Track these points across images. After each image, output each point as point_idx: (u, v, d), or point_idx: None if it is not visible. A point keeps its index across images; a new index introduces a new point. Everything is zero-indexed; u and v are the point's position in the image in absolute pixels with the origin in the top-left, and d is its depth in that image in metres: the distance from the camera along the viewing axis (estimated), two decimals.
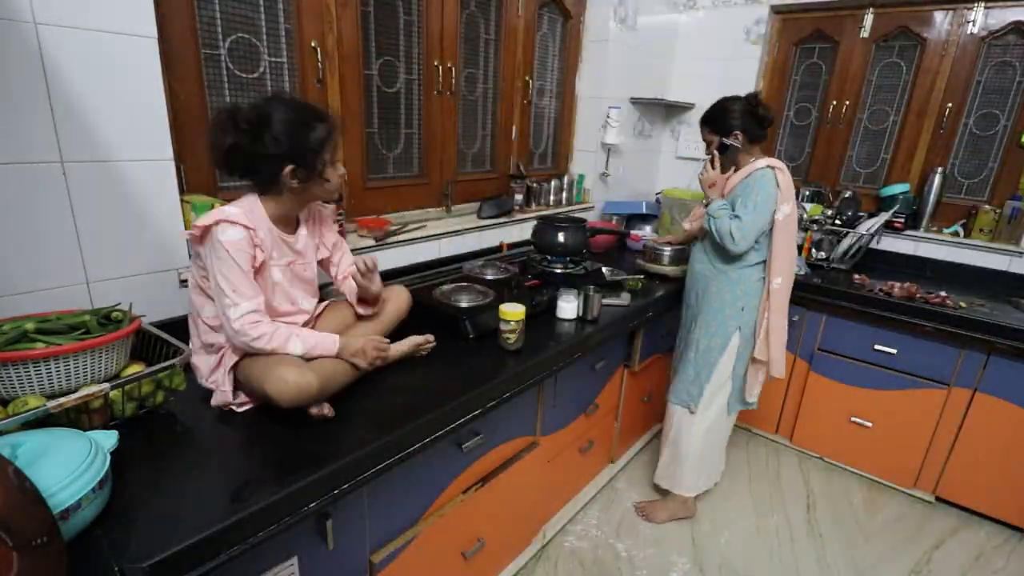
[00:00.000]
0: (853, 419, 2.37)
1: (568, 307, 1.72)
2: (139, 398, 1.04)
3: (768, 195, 1.71)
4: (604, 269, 2.01)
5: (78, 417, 0.95)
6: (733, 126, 1.77)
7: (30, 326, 0.95)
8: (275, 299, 1.19)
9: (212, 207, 1.31)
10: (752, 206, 1.72)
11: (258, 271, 1.12)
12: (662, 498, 2.17)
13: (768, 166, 1.74)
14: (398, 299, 1.45)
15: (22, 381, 0.91)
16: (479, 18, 2.15)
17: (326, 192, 1.18)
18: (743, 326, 1.88)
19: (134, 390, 1.02)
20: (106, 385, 0.96)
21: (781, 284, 1.81)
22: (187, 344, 1.13)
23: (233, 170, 1.11)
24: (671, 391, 2.05)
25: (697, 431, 1.99)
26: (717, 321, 1.89)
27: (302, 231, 1.24)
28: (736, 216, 1.75)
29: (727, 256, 1.83)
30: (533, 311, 1.66)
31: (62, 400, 0.90)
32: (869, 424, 2.34)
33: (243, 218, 1.06)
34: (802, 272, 2.44)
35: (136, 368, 1.06)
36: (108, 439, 0.86)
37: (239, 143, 1.04)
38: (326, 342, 1.15)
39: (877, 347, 2.25)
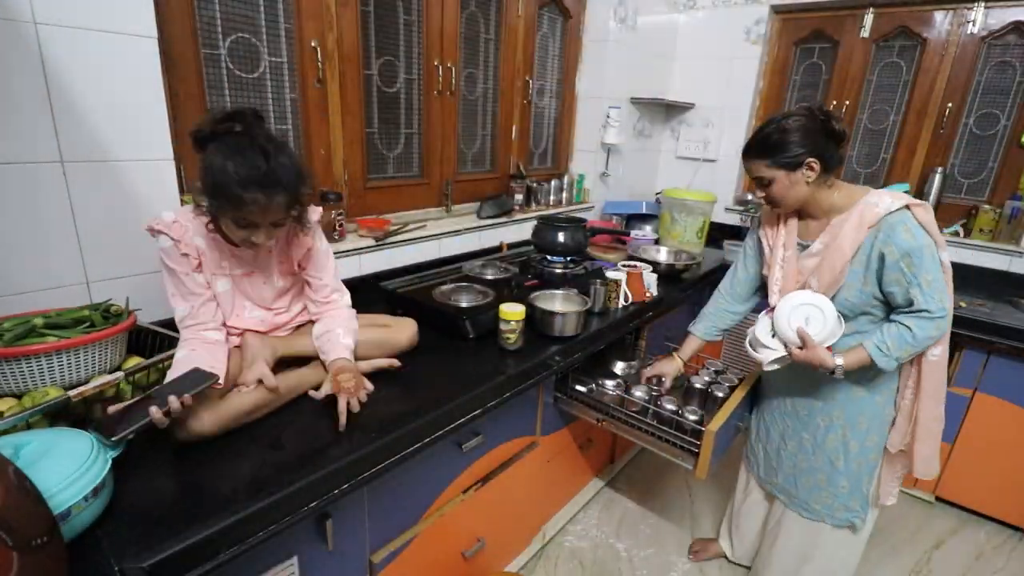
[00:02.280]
0: None
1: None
2: (146, 387, 1.06)
3: (929, 252, 1.20)
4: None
5: (91, 407, 0.97)
6: (807, 152, 1.24)
7: (39, 321, 0.96)
8: (225, 309, 1.16)
9: None
10: (920, 262, 1.20)
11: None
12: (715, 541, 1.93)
13: (904, 206, 1.21)
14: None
15: (34, 374, 0.93)
16: (479, 18, 2.15)
17: (235, 240, 1.07)
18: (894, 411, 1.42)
19: (141, 379, 1.05)
20: (120, 374, 0.99)
21: (940, 356, 1.31)
22: None
23: None
24: (806, 510, 1.54)
25: (857, 550, 1.57)
26: (865, 415, 1.40)
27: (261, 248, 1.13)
28: (912, 311, 1.23)
29: (867, 325, 1.34)
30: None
31: (81, 389, 0.92)
32: None
33: (171, 228, 1.04)
34: None
35: (135, 360, 1.07)
36: None
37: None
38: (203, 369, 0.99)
39: None
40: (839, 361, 1.28)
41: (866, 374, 1.36)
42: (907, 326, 1.23)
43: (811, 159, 1.24)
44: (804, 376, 1.45)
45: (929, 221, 1.22)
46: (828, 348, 1.29)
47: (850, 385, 1.39)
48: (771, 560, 1.67)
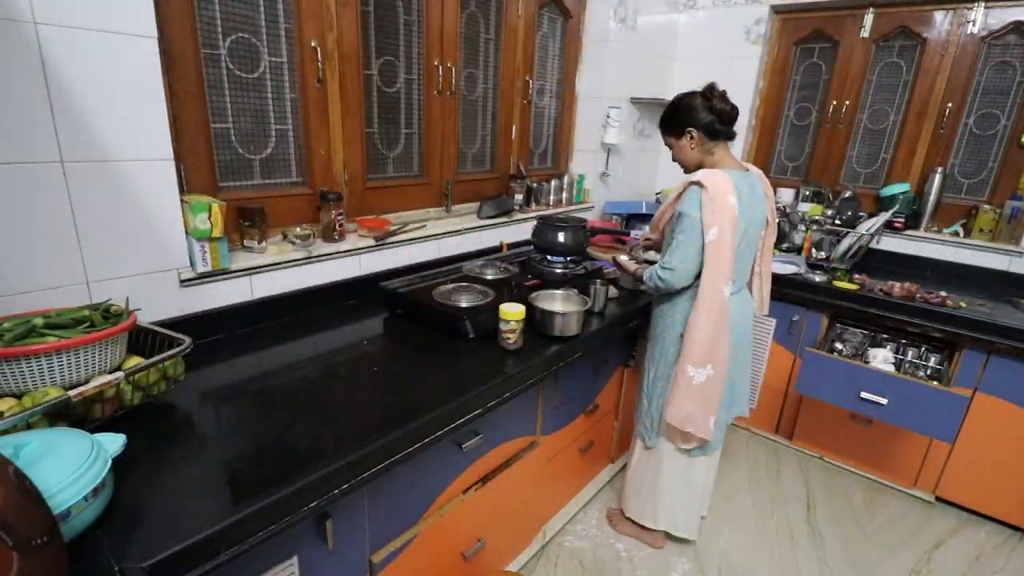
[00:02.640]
0: (853, 418, 2.37)
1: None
2: (145, 387, 1.07)
3: (691, 222, 1.49)
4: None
5: (91, 407, 0.97)
6: (683, 123, 1.57)
7: (39, 321, 0.96)
8: None
9: (211, 207, 1.31)
10: (676, 243, 1.52)
11: None
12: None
13: (698, 182, 1.49)
14: None
15: (34, 374, 0.93)
16: (479, 18, 2.15)
17: None
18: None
19: (141, 379, 1.05)
20: (120, 374, 0.99)
21: (694, 322, 1.55)
22: (185, 336, 1.13)
23: None
24: (635, 416, 1.90)
25: (655, 467, 1.83)
26: (659, 347, 1.71)
27: None
28: (665, 265, 1.55)
29: None
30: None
31: (81, 389, 0.92)
32: (869, 423, 2.34)
33: None
34: (802, 270, 2.44)
35: (135, 360, 1.07)
36: (114, 443, 0.86)
37: None
38: None
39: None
40: (632, 265, 1.78)
41: (668, 317, 1.66)
42: (658, 268, 1.58)
43: (690, 128, 1.55)
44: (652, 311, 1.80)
45: (710, 202, 1.46)
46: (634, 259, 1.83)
47: (656, 322, 1.73)
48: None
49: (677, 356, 1.64)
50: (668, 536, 1.95)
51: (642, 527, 1.95)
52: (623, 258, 1.85)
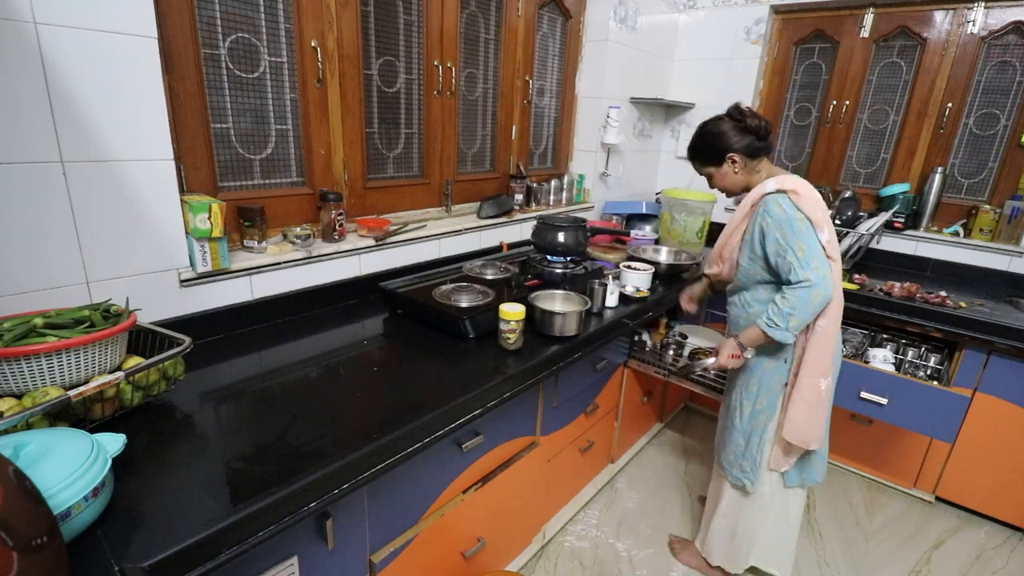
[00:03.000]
0: (853, 418, 2.37)
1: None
2: (145, 387, 1.07)
3: (804, 226, 1.36)
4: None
5: (91, 407, 0.97)
6: (721, 150, 1.50)
7: (39, 321, 0.96)
8: None
9: (211, 207, 1.31)
10: (801, 256, 1.35)
11: None
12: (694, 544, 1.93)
13: (779, 189, 1.39)
14: None
15: (34, 374, 0.93)
16: (479, 18, 2.15)
17: None
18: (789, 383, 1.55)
19: (141, 379, 1.05)
20: (120, 374, 0.99)
21: (824, 328, 1.44)
22: (185, 336, 1.13)
23: None
24: (723, 462, 1.71)
25: (753, 513, 1.68)
26: (756, 377, 1.56)
27: None
28: (783, 263, 1.38)
29: (767, 293, 1.50)
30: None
31: (81, 389, 0.92)
32: (869, 423, 2.34)
33: None
34: None
35: (135, 360, 1.07)
36: (114, 443, 0.86)
37: None
38: None
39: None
40: (746, 350, 1.50)
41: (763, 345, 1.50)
42: (785, 297, 1.38)
43: (731, 154, 1.49)
44: (731, 331, 1.66)
45: (806, 202, 1.38)
46: (734, 340, 1.52)
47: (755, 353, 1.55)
48: (706, 520, 1.85)
49: (786, 381, 1.53)
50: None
51: (710, 567, 1.83)
52: (717, 361, 1.56)
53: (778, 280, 1.45)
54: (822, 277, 1.34)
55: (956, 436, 2.12)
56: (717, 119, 1.52)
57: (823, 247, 1.37)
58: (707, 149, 1.53)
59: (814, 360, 1.46)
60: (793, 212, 1.38)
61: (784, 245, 1.38)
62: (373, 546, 1.19)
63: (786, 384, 1.53)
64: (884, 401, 2.01)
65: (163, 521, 0.80)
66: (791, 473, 1.62)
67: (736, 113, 1.49)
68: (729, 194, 1.59)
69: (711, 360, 1.57)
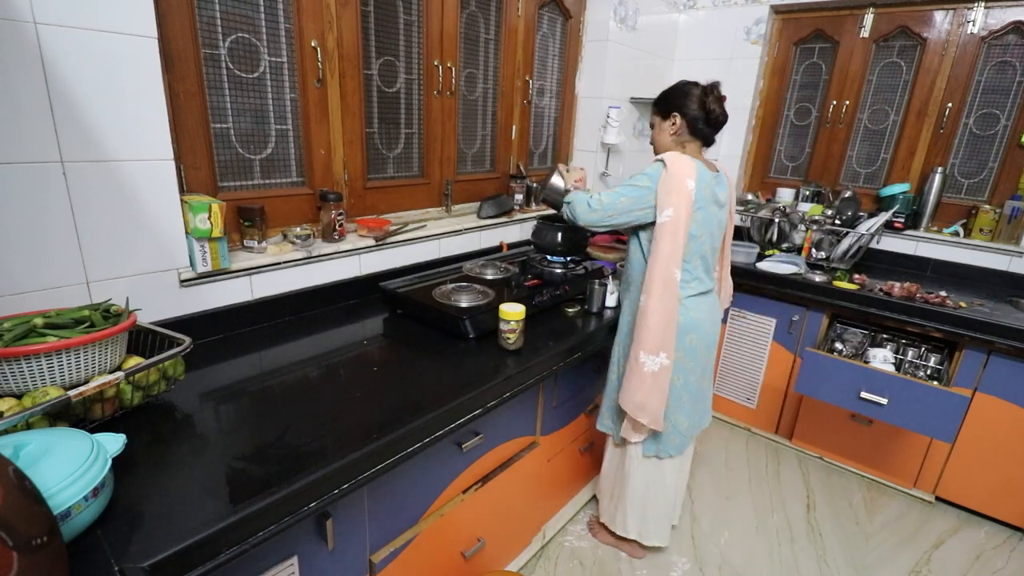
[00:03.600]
0: (853, 418, 2.37)
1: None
2: (145, 387, 1.07)
3: (640, 190, 1.47)
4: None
5: (91, 407, 0.97)
6: (673, 106, 1.54)
7: (39, 321, 0.96)
8: None
9: (211, 207, 1.31)
10: (613, 191, 1.51)
11: None
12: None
13: (661, 160, 1.48)
14: None
15: (33, 374, 0.93)
16: (479, 18, 2.15)
17: None
18: None
19: (141, 379, 1.05)
20: (120, 374, 0.99)
21: (645, 303, 1.51)
22: (185, 336, 1.13)
23: None
24: (599, 412, 1.82)
25: (624, 470, 1.78)
26: (622, 341, 1.67)
27: None
28: (591, 201, 1.55)
29: (635, 265, 1.60)
30: (533, 311, 1.66)
31: (81, 389, 0.92)
32: (869, 423, 2.34)
33: None
34: (802, 270, 2.44)
35: (135, 360, 1.07)
36: (114, 443, 0.86)
37: None
38: None
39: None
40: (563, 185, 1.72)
41: (628, 313, 1.64)
42: (589, 197, 1.58)
43: (675, 113, 1.53)
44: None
45: (668, 178, 1.45)
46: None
47: (622, 312, 1.68)
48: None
49: (628, 354, 1.61)
50: (640, 545, 1.90)
51: (619, 536, 1.90)
52: (563, 174, 1.75)
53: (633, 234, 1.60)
54: (597, 212, 1.53)
55: (956, 436, 2.12)
56: (693, 83, 1.55)
57: (657, 221, 1.48)
58: (665, 98, 1.58)
59: (638, 334, 1.54)
60: (650, 181, 1.47)
61: (627, 182, 1.52)
62: (373, 546, 1.19)
63: (628, 357, 1.61)
64: (884, 401, 2.01)
65: (163, 521, 0.80)
66: (648, 443, 1.70)
67: (709, 89, 1.52)
68: (655, 151, 1.62)
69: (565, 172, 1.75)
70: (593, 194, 1.58)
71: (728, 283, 1.82)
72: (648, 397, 1.56)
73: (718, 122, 1.51)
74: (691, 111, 1.51)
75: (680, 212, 1.45)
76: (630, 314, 1.62)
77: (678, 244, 1.47)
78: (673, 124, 1.54)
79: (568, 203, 1.62)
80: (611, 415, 1.76)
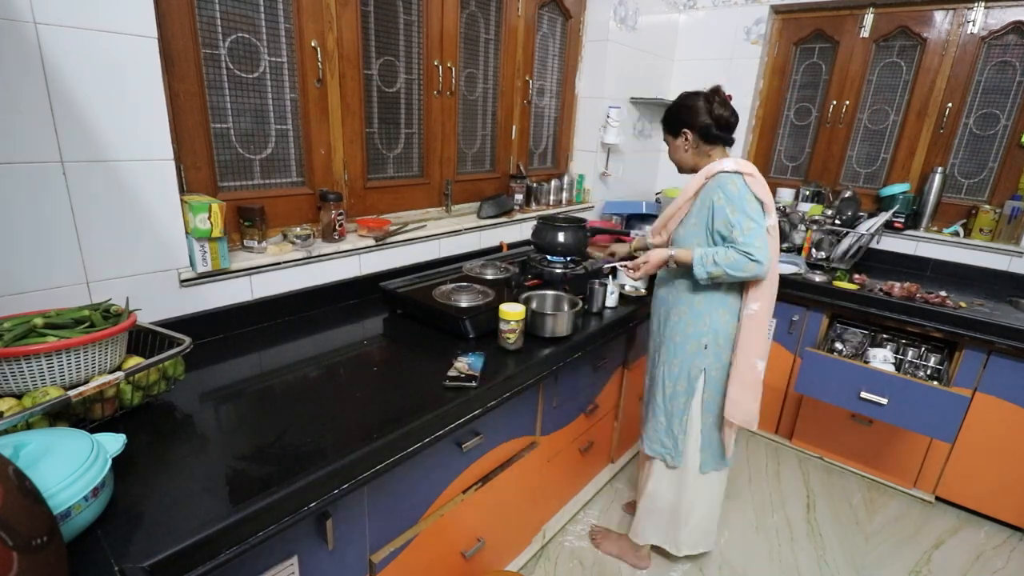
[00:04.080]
0: (853, 418, 2.37)
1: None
2: (145, 387, 1.07)
3: (753, 205, 1.43)
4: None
5: (91, 407, 0.97)
6: (680, 123, 1.53)
7: (39, 321, 0.96)
8: None
9: (211, 207, 1.31)
10: (742, 210, 1.41)
11: None
12: (616, 532, 1.99)
13: (736, 171, 1.44)
14: None
15: (33, 374, 0.93)
16: (479, 18, 2.15)
17: None
18: (709, 368, 1.59)
19: (141, 379, 1.05)
20: (120, 374, 0.99)
21: (757, 311, 1.51)
22: (185, 336, 1.13)
23: None
24: (644, 435, 1.77)
25: (677, 488, 1.73)
26: (679, 359, 1.61)
27: None
28: (729, 236, 1.43)
29: (692, 278, 1.52)
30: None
31: (81, 389, 0.92)
32: (869, 423, 2.34)
33: None
34: (802, 270, 2.44)
35: (135, 360, 1.07)
36: (114, 443, 0.86)
37: None
38: None
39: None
40: (672, 251, 1.55)
41: (691, 327, 1.57)
42: (728, 251, 1.42)
43: (686, 130, 1.52)
44: (656, 314, 1.72)
45: (759, 185, 1.45)
46: (667, 252, 1.57)
47: (674, 332, 1.61)
48: (638, 500, 1.86)
49: (704, 366, 1.58)
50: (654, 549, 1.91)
51: (630, 546, 1.88)
52: (647, 255, 1.61)
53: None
54: (763, 255, 1.40)
55: (956, 436, 2.13)
56: (695, 94, 1.53)
57: (766, 231, 1.44)
58: (671, 117, 1.57)
59: (749, 342, 1.53)
60: (747, 192, 1.43)
61: (732, 220, 1.42)
62: (373, 546, 1.19)
63: (704, 369, 1.59)
64: (884, 401, 2.01)
65: (163, 521, 0.80)
66: (707, 459, 1.68)
67: (711, 95, 1.51)
68: (680, 169, 1.62)
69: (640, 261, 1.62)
70: (732, 246, 1.42)
71: None
72: (759, 403, 1.58)
73: (729, 124, 1.51)
74: (699, 122, 1.50)
75: (775, 216, 1.49)
76: (695, 338, 1.57)
77: (777, 247, 1.51)
78: (685, 140, 1.54)
79: (720, 267, 1.43)
80: (668, 435, 1.68)
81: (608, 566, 1.88)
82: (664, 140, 1.63)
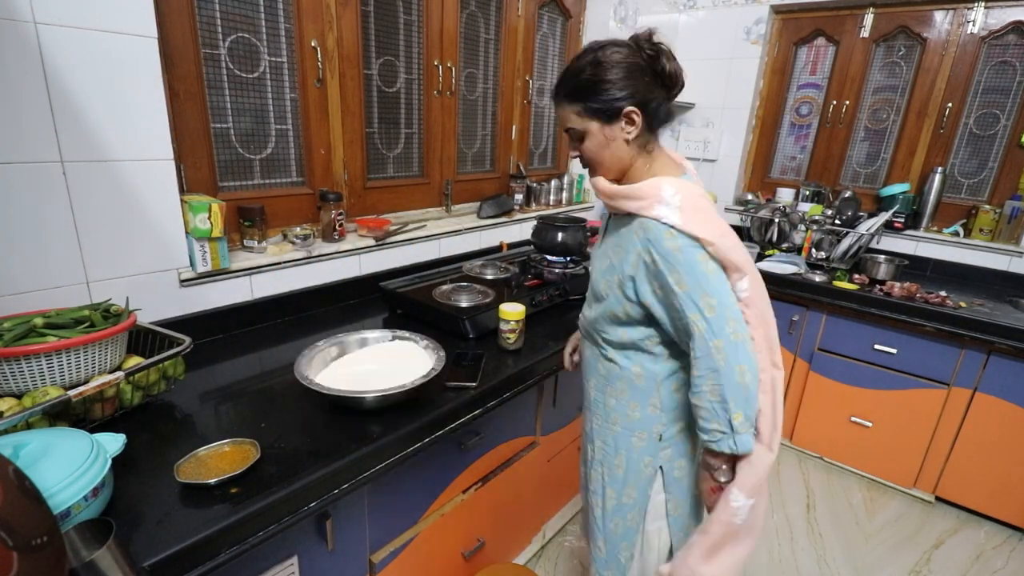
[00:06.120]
0: (853, 419, 2.37)
1: None
2: (145, 387, 1.06)
3: (710, 270, 0.88)
4: None
5: (91, 407, 0.97)
6: (623, 97, 0.92)
7: (39, 321, 0.96)
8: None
9: (211, 207, 1.31)
10: (689, 290, 0.87)
11: None
12: None
13: (682, 230, 0.88)
14: None
15: (33, 374, 0.93)
16: (479, 18, 2.15)
17: None
18: (667, 468, 1.04)
19: (141, 379, 1.05)
20: (120, 374, 0.99)
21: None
22: (185, 336, 1.13)
23: None
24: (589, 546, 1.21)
25: None
26: (622, 454, 1.06)
27: None
28: (685, 328, 0.90)
29: (625, 334, 1.01)
30: (533, 311, 1.66)
31: (81, 389, 0.92)
32: (869, 424, 2.34)
33: None
34: (802, 270, 2.44)
35: (135, 360, 1.07)
36: (114, 443, 0.86)
37: None
38: None
39: (877, 347, 2.25)
40: (722, 479, 0.94)
41: (637, 411, 1.03)
42: (699, 388, 0.89)
43: (631, 108, 0.92)
44: (586, 391, 1.15)
45: (723, 244, 0.89)
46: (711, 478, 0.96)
47: (612, 417, 1.07)
48: None
49: (660, 464, 1.04)
50: None
51: None
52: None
53: (645, 327, 0.98)
54: (740, 345, 0.87)
55: (956, 436, 2.14)
56: (620, 45, 0.94)
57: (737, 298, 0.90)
58: (599, 88, 0.93)
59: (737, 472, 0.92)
60: (696, 250, 0.88)
61: (683, 298, 0.88)
62: (373, 546, 1.19)
63: (660, 468, 1.04)
64: (894, 351, 2.21)
65: (163, 521, 0.80)
66: None
67: (648, 45, 0.93)
68: (600, 171, 1.00)
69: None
70: (700, 369, 0.89)
71: None
72: (743, 550, 0.98)
73: (681, 85, 0.97)
74: (648, 94, 0.93)
75: (755, 273, 0.96)
76: (637, 457, 1.05)
77: (769, 321, 0.97)
78: (631, 125, 0.94)
79: (734, 421, 0.89)
80: (614, 570, 1.14)
81: None
82: (571, 125, 0.98)
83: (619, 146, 0.96)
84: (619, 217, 1.00)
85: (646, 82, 0.93)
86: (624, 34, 2.57)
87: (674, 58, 0.94)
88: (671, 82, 0.95)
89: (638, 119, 0.94)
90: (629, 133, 0.95)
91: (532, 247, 2.08)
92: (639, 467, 1.05)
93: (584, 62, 0.95)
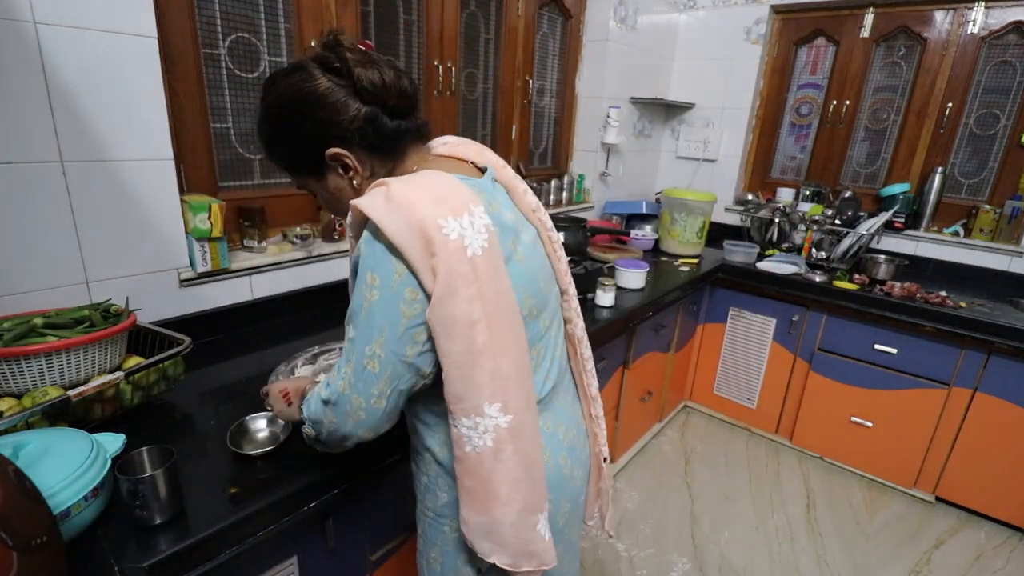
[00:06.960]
0: (853, 419, 2.37)
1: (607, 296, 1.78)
2: (145, 387, 1.06)
3: (381, 302, 0.68)
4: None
5: (90, 407, 0.97)
6: (316, 145, 0.75)
7: (38, 321, 0.96)
8: None
9: (211, 207, 1.31)
10: (348, 345, 0.72)
11: None
12: None
13: (379, 223, 0.67)
14: None
15: (33, 374, 0.93)
16: (479, 18, 2.15)
17: None
18: (449, 549, 0.89)
19: (141, 379, 1.05)
20: (120, 374, 0.99)
21: (510, 425, 0.72)
22: (185, 336, 1.13)
23: None
24: None
25: None
26: (437, 545, 0.93)
27: None
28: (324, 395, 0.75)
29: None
30: None
31: (81, 389, 0.92)
32: (869, 424, 2.34)
33: None
34: (802, 270, 2.44)
35: (135, 360, 1.07)
36: (114, 443, 0.86)
37: None
38: None
39: (877, 347, 2.25)
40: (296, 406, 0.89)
41: (421, 476, 0.89)
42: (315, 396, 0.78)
43: (334, 151, 0.74)
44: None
45: (403, 234, 0.66)
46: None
47: (422, 497, 0.92)
48: None
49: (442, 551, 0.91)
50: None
51: None
52: (281, 387, 0.95)
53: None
54: (342, 405, 0.73)
55: (956, 436, 2.14)
56: (297, 70, 0.74)
57: (430, 318, 0.68)
58: (278, 144, 0.79)
59: (473, 487, 0.76)
60: (385, 270, 0.68)
61: (349, 313, 0.73)
62: (373, 545, 1.19)
63: (473, 552, 0.81)
64: (894, 351, 2.20)
65: (163, 521, 0.80)
66: None
67: (334, 56, 0.72)
68: (344, 211, 0.78)
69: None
70: (323, 386, 0.77)
71: (591, 379, 1.09)
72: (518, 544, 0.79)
73: (411, 100, 0.78)
74: (351, 124, 0.73)
75: (490, 306, 0.70)
76: (424, 470, 0.89)
77: (506, 367, 0.73)
78: (345, 171, 0.77)
79: (305, 431, 0.84)
80: None
81: (608, 566, 1.88)
82: (298, 184, 0.83)
83: (350, 193, 0.78)
84: None
85: (338, 107, 0.72)
86: (625, 34, 2.58)
87: (373, 62, 0.73)
88: (378, 96, 0.73)
89: (351, 160, 0.75)
90: (353, 178, 0.77)
91: None
92: None
93: (259, 115, 0.78)
